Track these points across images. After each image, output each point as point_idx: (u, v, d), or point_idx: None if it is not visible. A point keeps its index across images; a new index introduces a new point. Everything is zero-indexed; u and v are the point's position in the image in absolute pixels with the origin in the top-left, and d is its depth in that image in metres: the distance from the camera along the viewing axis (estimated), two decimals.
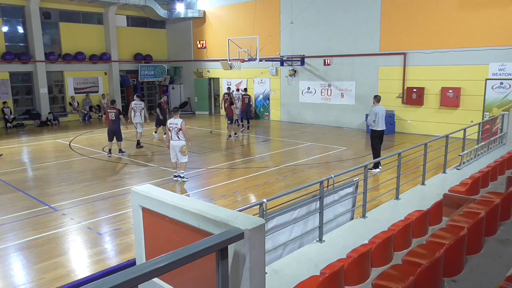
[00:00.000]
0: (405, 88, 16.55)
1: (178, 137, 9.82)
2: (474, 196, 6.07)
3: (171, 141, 9.92)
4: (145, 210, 3.15)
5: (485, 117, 14.48)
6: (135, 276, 1.62)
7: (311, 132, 17.53)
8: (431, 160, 8.16)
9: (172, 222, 2.82)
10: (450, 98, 15.39)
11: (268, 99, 21.72)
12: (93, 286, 1.53)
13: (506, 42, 13.95)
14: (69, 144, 15.38)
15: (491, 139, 9.91)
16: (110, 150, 13.04)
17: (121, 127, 13.13)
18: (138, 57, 25.04)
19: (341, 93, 18.74)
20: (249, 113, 18.08)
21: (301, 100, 20.29)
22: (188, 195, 9.15)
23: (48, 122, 20.88)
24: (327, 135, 16.91)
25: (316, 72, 19.47)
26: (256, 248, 2.25)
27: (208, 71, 24.34)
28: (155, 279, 2.79)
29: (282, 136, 17.33)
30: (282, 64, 20.25)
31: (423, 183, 7.31)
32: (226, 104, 16.03)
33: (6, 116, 19.97)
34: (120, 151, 13.20)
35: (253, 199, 8.98)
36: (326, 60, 18.63)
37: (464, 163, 8.31)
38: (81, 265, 6.02)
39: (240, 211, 2.75)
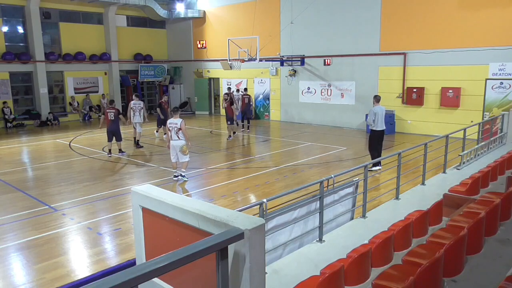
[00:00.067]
0: (405, 88, 16.55)
1: (178, 136, 9.84)
2: (474, 196, 6.07)
3: (171, 141, 9.94)
4: (145, 210, 3.15)
5: (485, 117, 14.48)
6: (135, 276, 1.62)
7: (311, 132, 17.53)
8: (431, 160, 8.16)
9: (172, 222, 2.82)
10: (450, 98, 15.39)
11: (268, 99, 21.72)
12: (93, 286, 1.53)
13: (506, 42, 13.95)
14: (69, 144, 15.38)
15: (491, 139, 9.91)
16: (110, 150, 13.04)
17: (120, 127, 13.14)
18: (138, 57, 25.04)
19: (341, 93, 18.74)
20: (249, 113, 18.08)
21: (301, 100, 20.29)
22: (189, 195, 9.15)
23: (48, 122, 20.88)
24: (327, 135, 16.91)
25: (316, 72, 19.47)
26: (256, 248, 2.25)
27: (208, 71, 24.34)
28: (155, 279, 2.79)
29: (282, 136, 17.33)
30: (282, 64, 20.25)
31: (423, 183, 7.31)
32: (226, 104, 16.01)
33: (6, 116, 19.98)
34: (120, 151, 13.20)
35: (253, 199, 8.98)
36: (326, 60, 18.64)
37: (464, 163, 8.31)
38: (81, 265, 6.02)
39: (240, 211, 2.75)
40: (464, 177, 7.09)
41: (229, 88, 18.98)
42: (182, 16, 23.93)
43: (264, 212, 4.31)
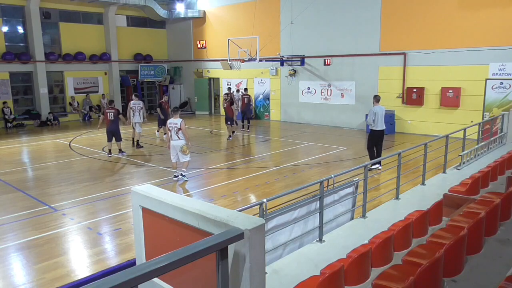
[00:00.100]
0: (405, 88, 16.55)
1: (178, 136, 9.84)
2: (474, 196, 6.07)
3: (171, 141, 9.94)
4: (145, 210, 3.15)
5: (485, 117, 14.48)
6: (135, 276, 1.62)
7: (311, 132, 17.53)
8: (431, 160, 8.16)
9: (172, 222, 2.82)
10: (450, 98, 15.39)
11: (268, 99, 21.72)
12: (93, 286, 1.53)
13: (506, 42, 13.95)
14: (69, 144, 15.38)
15: (491, 139, 9.91)
16: (110, 150, 13.03)
17: (120, 127, 13.14)
18: (138, 57, 25.04)
19: (341, 93, 18.74)
20: (249, 113, 18.08)
21: (301, 100, 20.29)
22: (190, 195, 9.15)
23: (48, 122, 20.88)
24: (327, 135, 16.91)
25: (316, 72, 19.47)
26: (256, 248, 2.24)
27: (208, 71, 24.34)
28: (155, 279, 2.79)
29: (282, 136, 17.33)
30: (282, 64, 20.25)
31: (423, 183, 7.31)
32: (226, 104, 16.01)
33: (6, 116, 19.98)
34: (120, 151, 13.20)
35: (253, 199, 8.98)
36: (326, 60, 18.64)
37: (464, 163, 8.31)
38: (81, 265, 6.02)
39: (240, 211, 2.75)
40: (464, 177, 7.09)
41: (229, 88, 18.97)
42: (182, 16, 23.93)
43: (264, 212, 4.31)
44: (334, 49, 18.42)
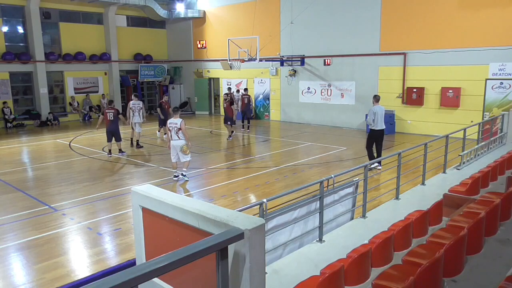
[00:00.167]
0: (405, 88, 16.55)
1: (178, 136, 9.85)
2: (474, 196, 6.07)
3: (171, 141, 9.95)
4: (145, 210, 3.15)
5: (485, 117, 14.48)
6: (135, 276, 1.61)
7: (311, 132, 17.53)
8: (431, 160, 8.16)
9: (172, 222, 2.82)
10: (450, 98, 15.39)
11: (268, 99, 21.72)
12: (93, 286, 1.53)
13: (506, 42, 13.95)
14: (69, 144, 15.38)
15: (491, 139, 9.91)
16: (110, 150, 13.03)
17: (120, 127, 13.14)
18: (138, 57, 25.04)
19: (341, 93, 18.74)
20: (249, 113, 18.08)
21: (301, 100, 20.28)
22: (190, 195, 9.15)
23: (48, 122, 20.88)
24: (327, 135, 16.91)
25: (316, 72, 19.47)
26: (256, 248, 2.24)
27: (208, 71, 24.34)
28: (155, 279, 2.79)
29: (282, 136, 17.33)
30: (282, 64, 20.25)
31: (423, 183, 7.31)
32: (225, 104, 16.00)
33: (6, 116, 19.98)
34: (120, 151, 13.20)
35: (253, 199, 8.98)
36: (326, 60, 18.64)
37: (464, 163, 8.31)
38: (81, 265, 6.02)
39: (240, 211, 2.75)
40: (464, 177, 7.09)
41: (229, 88, 18.97)
42: (182, 16, 23.93)
43: (264, 212, 4.31)
44: (334, 49, 18.42)
